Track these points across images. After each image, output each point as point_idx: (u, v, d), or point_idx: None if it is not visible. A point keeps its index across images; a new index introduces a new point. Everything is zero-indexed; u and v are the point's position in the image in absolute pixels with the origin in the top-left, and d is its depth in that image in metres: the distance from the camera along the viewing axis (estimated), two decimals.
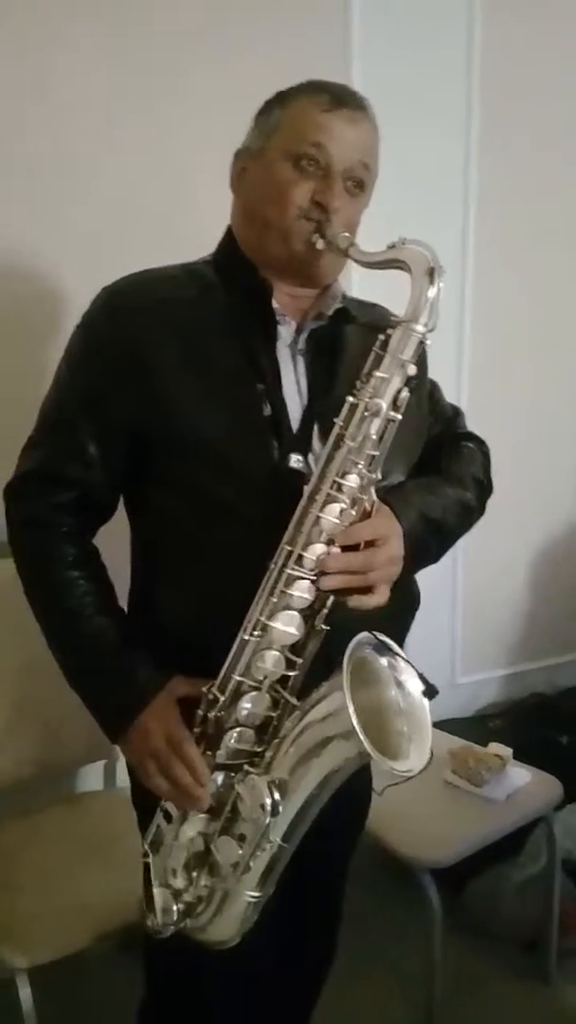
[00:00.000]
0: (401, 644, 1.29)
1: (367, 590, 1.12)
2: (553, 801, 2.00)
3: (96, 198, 1.84)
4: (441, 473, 1.33)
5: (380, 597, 1.14)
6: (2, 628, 1.72)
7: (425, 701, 1.10)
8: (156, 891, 1.15)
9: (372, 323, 1.28)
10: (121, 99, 1.84)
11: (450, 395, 1.48)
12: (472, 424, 1.47)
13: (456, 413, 1.46)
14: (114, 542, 1.29)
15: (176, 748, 1.11)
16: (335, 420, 1.12)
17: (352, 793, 1.15)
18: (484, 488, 1.38)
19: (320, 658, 1.12)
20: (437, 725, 2.25)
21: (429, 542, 1.25)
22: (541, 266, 2.55)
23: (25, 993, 1.52)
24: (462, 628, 2.67)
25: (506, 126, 2.38)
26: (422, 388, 1.33)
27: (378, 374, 1.11)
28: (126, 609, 1.26)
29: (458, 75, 2.30)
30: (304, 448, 1.19)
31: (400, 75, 2.16)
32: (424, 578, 1.32)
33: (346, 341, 1.26)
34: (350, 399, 1.12)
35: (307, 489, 1.11)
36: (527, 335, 2.58)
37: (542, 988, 2.05)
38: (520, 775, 2.01)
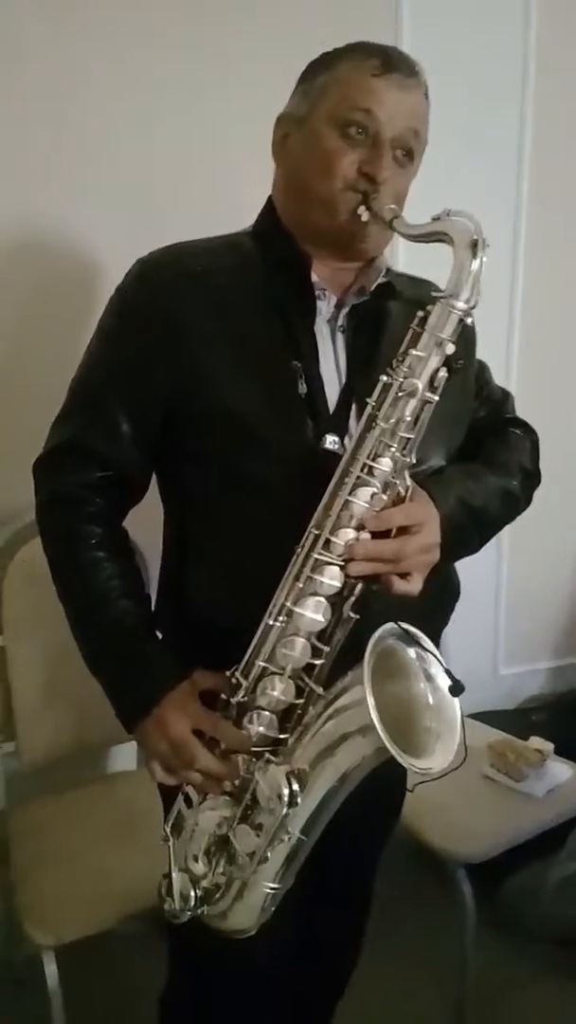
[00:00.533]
0: (439, 637, 1.27)
1: (399, 576, 1.08)
2: None
3: (138, 172, 1.81)
4: (485, 459, 1.27)
5: (412, 586, 1.09)
6: (37, 607, 1.71)
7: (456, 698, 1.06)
8: (175, 875, 1.13)
9: (418, 299, 1.22)
10: (162, 73, 1.80)
11: (498, 377, 1.42)
12: (521, 408, 1.42)
13: (505, 396, 1.40)
14: (146, 526, 1.27)
15: (211, 729, 1.09)
16: (368, 400, 1.08)
17: (386, 786, 1.12)
18: (531, 477, 1.32)
19: (350, 648, 1.08)
20: (477, 717, 2.26)
21: (469, 531, 1.20)
22: None
23: (51, 970, 1.53)
24: (506, 618, 2.60)
25: (563, 94, 2.28)
26: (469, 369, 1.27)
27: (415, 352, 1.06)
28: (156, 591, 1.24)
29: (514, 39, 2.20)
30: (340, 429, 1.15)
31: (452, 37, 2.08)
32: (467, 567, 1.28)
33: (389, 318, 1.21)
34: (384, 378, 1.07)
35: (337, 472, 1.07)
36: None
37: None
38: (561, 770, 1.96)
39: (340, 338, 1.20)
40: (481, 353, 1.34)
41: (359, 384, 1.16)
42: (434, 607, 1.22)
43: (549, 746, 1.99)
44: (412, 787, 1.12)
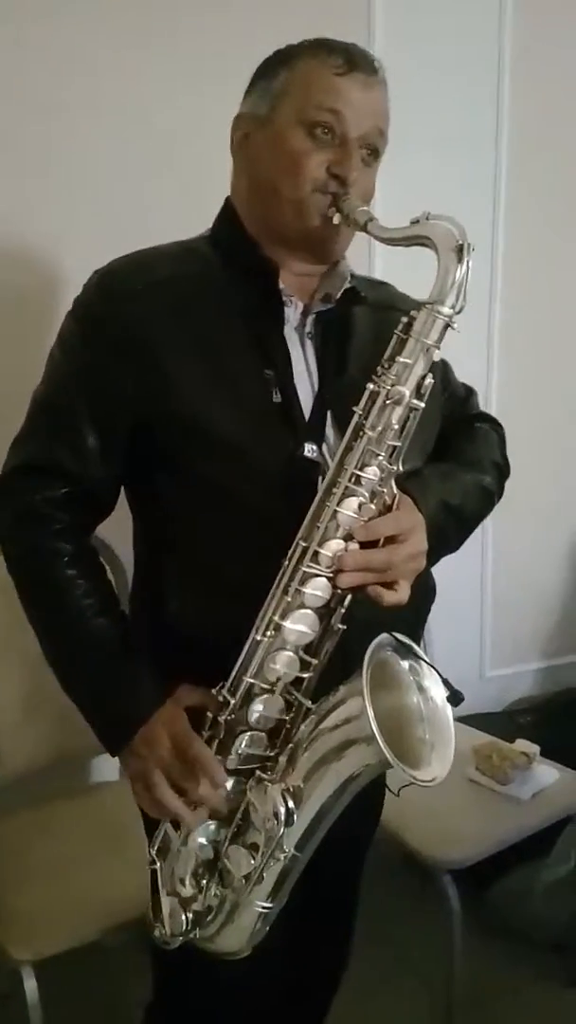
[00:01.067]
0: (417, 638, 1.26)
1: (387, 586, 1.07)
2: None
3: (96, 183, 1.79)
4: (456, 457, 1.27)
5: (400, 595, 1.08)
6: (15, 616, 1.68)
7: (448, 707, 1.05)
8: (164, 899, 1.10)
9: (382, 303, 1.23)
10: (121, 77, 1.77)
11: (480, 378, 1.41)
12: (503, 410, 1.41)
13: (469, 393, 1.40)
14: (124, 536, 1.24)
15: (186, 749, 1.05)
16: (354, 408, 1.06)
17: (364, 790, 1.09)
18: (502, 471, 1.33)
19: (336, 659, 1.07)
20: (463, 720, 2.25)
21: (449, 531, 1.20)
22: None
23: (31, 985, 1.49)
24: (492, 620, 2.60)
25: (540, 89, 2.28)
26: (435, 370, 1.27)
27: (401, 359, 1.05)
28: (128, 607, 1.21)
29: (489, 34, 2.20)
30: (317, 437, 1.13)
31: (426, 33, 2.07)
32: (452, 568, 1.28)
33: (356, 323, 1.20)
34: (371, 386, 1.05)
35: (323, 482, 1.05)
36: (562, 314, 2.49)
37: (568, 992, 1.99)
38: (547, 773, 1.95)
39: (309, 345, 1.18)
40: (461, 355, 1.33)
41: (332, 390, 1.15)
42: (415, 610, 1.21)
43: (535, 748, 1.98)
44: (397, 791, 1.10)
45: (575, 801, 1.93)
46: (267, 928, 1.09)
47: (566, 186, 2.40)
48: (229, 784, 1.06)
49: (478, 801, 1.89)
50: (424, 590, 1.26)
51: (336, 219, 1.10)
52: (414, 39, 2.03)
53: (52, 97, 1.73)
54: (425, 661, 1.06)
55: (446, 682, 1.05)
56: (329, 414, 1.15)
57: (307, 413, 1.15)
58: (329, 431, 1.14)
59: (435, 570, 1.28)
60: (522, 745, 1.99)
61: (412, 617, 1.21)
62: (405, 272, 1.27)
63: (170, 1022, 1.38)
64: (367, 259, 1.88)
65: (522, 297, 2.38)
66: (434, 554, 1.15)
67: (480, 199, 2.28)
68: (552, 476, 2.39)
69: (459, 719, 2.20)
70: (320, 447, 1.13)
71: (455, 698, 1.03)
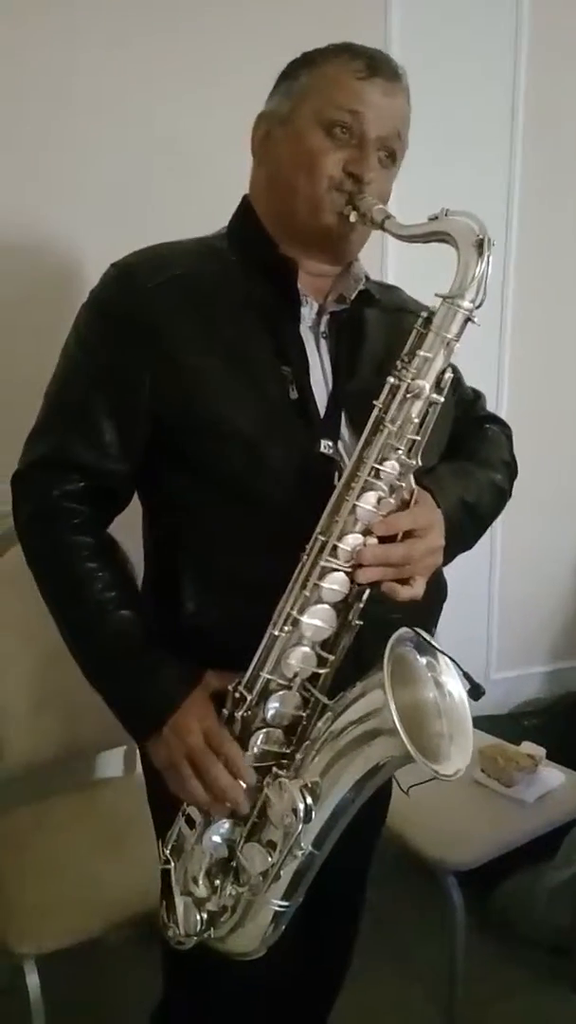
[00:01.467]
0: (431, 634, 1.25)
1: (403, 581, 1.07)
2: None
3: (114, 173, 1.78)
4: (469, 456, 1.28)
5: (416, 590, 1.08)
6: (27, 612, 1.67)
7: (467, 701, 1.05)
8: (177, 900, 1.09)
9: (394, 306, 1.24)
10: (145, 72, 1.77)
11: (491, 376, 1.41)
12: (513, 412, 1.41)
13: (477, 396, 1.42)
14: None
15: (217, 747, 1.05)
16: (374, 402, 1.06)
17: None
18: (512, 471, 1.35)
19: (350, 654, 1.07)
20: None
21: (466, 528, 1.20)
22: None
23: (33, 980, 1.49)
24: (498, 623, 2.60)
25: (555, 88, 2.28)
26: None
27: (421, 353, 1.05)
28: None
29: (506, 33, 2.19)
30: (333, 434, 1.14)
31: (441, 32, 2.07)
32: (459, 570, 1.27)
33: (368, 325, 1.21)
34: (391, 380, 1.05)
35: (342, 476, 1.05)
36: (574, 311, 2.49)
37: (570, 996, 1.99)
38: (553, 776, 1.95)
39: (323, 344, 1.19)
40: (473, 353, 1.34)
41: (346, 390, 1.16)
42: (429, 608, 1.22)
43: (541, 751, 1.98)
44: (407, 789, 1.10)
45: None
46: (282, 928, 1.08)
47: None
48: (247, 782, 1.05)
49: (483, 803, 1.89)
50: (437, 587, 1.26)
51: (352, 217, 1.11)
52: (429, 34, 2.02)
53: (64, 89, 1.72)
54: (445, 655, 1.05)
55: (467, 675, 1.05)
56: (343, 413, 1.15)
57: (322, 411, 1.15)
58: (344, 430, 1.14)
59: (443, 572, 1.28)
60: (528, 748, 1.99)
61: (425, 614, 1.21)
62: (416, 275, 1.28)
63: (178, 1019, 1.37)
64: (379, 261, 1.88)
65: (535, 294, 2.38)
66: (450, 551, 1.16)
67: (494, 198, 2.28)
68: (561, 479, 2.39)
69: None
70: (336, 444, 1.13)
71: (476, 691, 1.04)
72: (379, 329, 1.21)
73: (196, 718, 1.06)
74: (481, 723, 2.18)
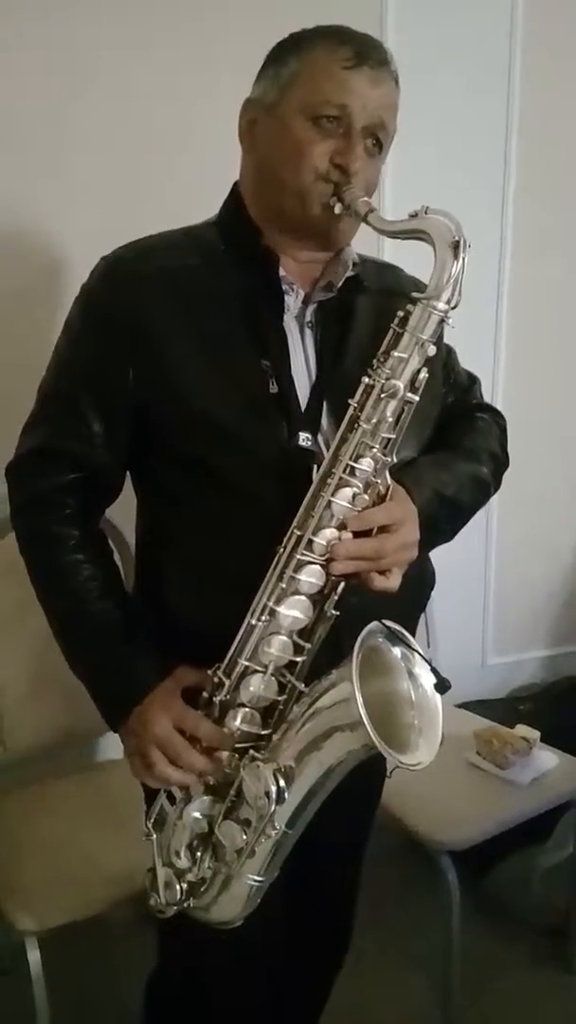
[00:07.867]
0: (415, 624, 1.29)
1: (379, 573, 1.09)
2: None
3: (105, 167, 1.80)
4: (454, 447, 1.28)
5: (391, 582, 1.10)
6: (26, 596, 1.71)
7: (438, 696, 1.07)
8: (159, 870, 1.14)
9: (387, 289, 1.22)
10: (131, 63, 1.79)
11: (487, 367, 1.41)
12: (508, 401, 1.42)
13: (472, 382, 1.40)
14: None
15: (192, 730, 1.09)
16: (350, 401, 1.08)
17: (364, 773, 1.12)
18: (500, 463, 1.34)
19: (329, 643, 1.10)
20: (465, 706, 2.27)
21: (442, 521, 1.21)
22: None
23: (34, 957, 1.52)
24: (494, 608, 2.62)
25: (550, 81, 2.28)
26: (437, 358, 1.26)
27: (396, 354, 1.07)
28: (130, 590, 1.24)
29: (501, 25, 2.19)
30: (313, 426, 1.15)
31: (437, 24, 2.07)
32: (456, 557, 1.29)
33: (357, 312, 1.21)
34: (366, 379, 1.07)
35: (318, 472, 1.08)
36: (569, 306, 2.48)
37: (565, 976, 2.02)
38: (547, 759, 1.98)
39: (308, 334, 1.19)
40: (469, 342, 1.34)
41: (329, 380, 1.17)
42: (410, 598, 1.23)
43: (535, 734, 2.00)
44: (390, 772, 1.12)
45: (574, 787, 1.95)
46: (259, 900, 1.13)
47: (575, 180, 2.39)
48: (223, 758, 1.10)
49: (478, 785, 1.92)
50: (420, 578, 1.28)
51: (337, 208, 1.11)
52: (424, 28, 2.02)
53: (54, 88, 1.74)
54: (414, 649, 1.08)
55: (434, 670, 1.07)
56: (325, 404, 1.16)
57: (304, 402, 1.16)
58: (325, 420, 1.16)
59: (438, 559, 1.30)
60: (523, 730, 2.01)
61: (408, 604, 1.23)
62: (413, 260, 1.26)
63: (173, 996, 1.40)
64: (376, 247, 1.89)
65: (529, 289, 2.38)
66: (427, 543, 1.17)
67: (489, 192, 2.28)
68: (556, 466, 2.39)
69: (461, 705, 2.26)
70: (316, 436, 1.14)
71: (442, 686, 1.05)
72: (369, 316, 1.19)
73: (162, 709, 1.10)
74: (477, 707, 2.24)
